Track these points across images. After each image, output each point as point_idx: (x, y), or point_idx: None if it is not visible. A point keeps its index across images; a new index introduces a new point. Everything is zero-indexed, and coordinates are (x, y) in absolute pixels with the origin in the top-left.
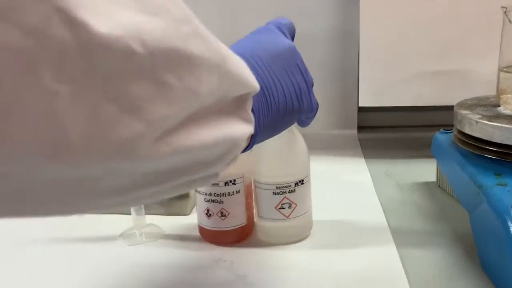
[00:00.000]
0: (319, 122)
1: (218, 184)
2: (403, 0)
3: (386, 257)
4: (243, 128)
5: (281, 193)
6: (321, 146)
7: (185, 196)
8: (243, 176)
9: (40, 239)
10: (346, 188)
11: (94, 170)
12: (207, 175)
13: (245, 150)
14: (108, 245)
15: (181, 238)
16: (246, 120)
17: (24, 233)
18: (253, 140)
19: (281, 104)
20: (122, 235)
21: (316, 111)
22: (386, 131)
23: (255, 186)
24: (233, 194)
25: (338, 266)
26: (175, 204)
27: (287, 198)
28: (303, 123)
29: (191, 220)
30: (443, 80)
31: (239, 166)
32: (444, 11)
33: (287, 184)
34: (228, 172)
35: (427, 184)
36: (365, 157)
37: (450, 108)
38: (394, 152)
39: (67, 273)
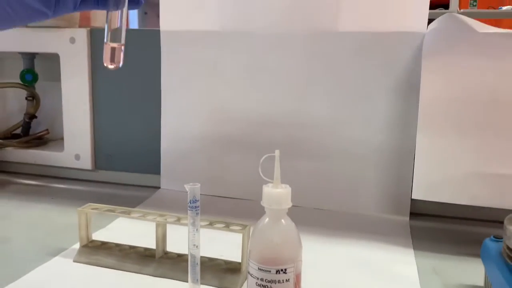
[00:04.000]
0: (372, 204)
1: (270, 271)
2: (465, 105)
3: None
4: None
5: None
6: (371, 229)
7: (237, 271)
8: (293, 266)
9: None
10: (391, 282)
11: None
12: None
13: None
14: None
15: None
16: None
17: None
18: None
19: None
20: None
21: None
22: (438, 221)
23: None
24: (283, 282)
25: None
26: (227, 277)
27: None
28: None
29: None
30: (502, 183)
31: (290, 257)
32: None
33: None
34: (280, 260)
35: None
36: (414, 248)
37: None
38: (444, 246)
39: None
